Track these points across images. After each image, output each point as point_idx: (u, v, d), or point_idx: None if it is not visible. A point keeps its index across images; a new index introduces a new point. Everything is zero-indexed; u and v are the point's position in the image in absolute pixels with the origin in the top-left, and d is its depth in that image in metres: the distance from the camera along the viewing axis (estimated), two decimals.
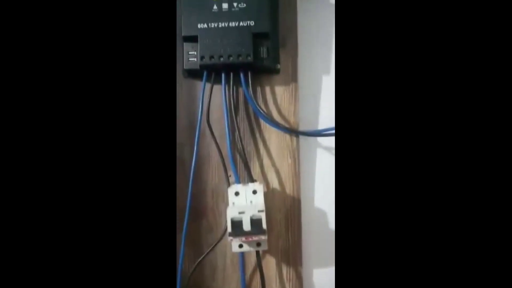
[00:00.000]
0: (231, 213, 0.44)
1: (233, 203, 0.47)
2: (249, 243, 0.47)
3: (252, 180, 0.51)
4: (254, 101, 0.51)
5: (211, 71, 0.50)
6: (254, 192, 0.47)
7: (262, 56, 0.49)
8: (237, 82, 0.51)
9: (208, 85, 0.51)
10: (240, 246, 0.47)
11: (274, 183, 0.53)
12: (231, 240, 0.44)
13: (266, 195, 0.52)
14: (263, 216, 0.44)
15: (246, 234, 0.44)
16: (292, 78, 0.53)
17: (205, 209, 0.53)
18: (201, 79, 0.51)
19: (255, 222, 0.44)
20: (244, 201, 0.47)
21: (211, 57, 0.48)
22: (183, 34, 0.49)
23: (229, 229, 0.44)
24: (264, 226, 0.44)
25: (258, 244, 0.47)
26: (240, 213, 0.44)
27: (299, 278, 0.53)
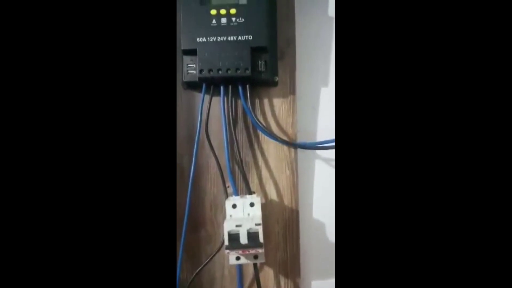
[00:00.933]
0: (228, 226, 0.44)
1: (231, 216, 0.47)
2: (246, 256, 0.47)
3: (250, 191, 0.52)
4: (252, 114, 0.51)
5: (210, 84, 0.51)
6: (252, 204, 0.47)
7: (260, 70, 0.50)
8: (235, 95, 0.52)
9: (207, 97, 0.52)
10: (237, 258, 0.47)
11: (272, 194, 0.54)
12: (228, 253, 0.45)
13: (264, 206, 0.52)
14: (260, 229, 0.44)
15: (243, 247, 0.44)
16: (290, 90, 0.53)
17: (204, 219, 0.54)
18: (200, 91, 0.51)
19: (252, 236, 0.44)
20: (242, 214, 0.47)
21: (210, 70, 0.49)
22: (182, 48, 0.49)
23: (226, 242, 0.44)
24: (261, 239, 0.44)
25: (255, 257, 0.48)
26: (237, 226, 0.44)
27: None
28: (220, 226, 0.53)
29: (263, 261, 0.49)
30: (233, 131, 0.52)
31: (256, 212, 0.47)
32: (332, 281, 0.54)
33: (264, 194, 0.54)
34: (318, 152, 0.55)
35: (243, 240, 0.44)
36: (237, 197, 0.49)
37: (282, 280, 0.53)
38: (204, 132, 0.52)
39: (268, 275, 0.53)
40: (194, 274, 0.52)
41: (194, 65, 0.50)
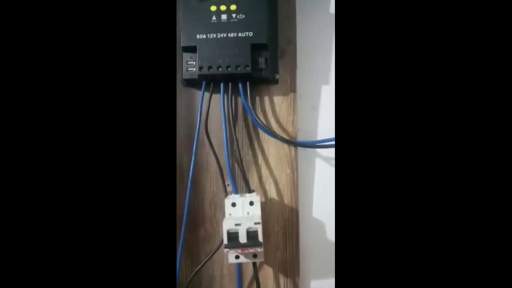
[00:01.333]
0: (228, 225, 0.44)
1: (230, 214, 0.47)
2: (246, 255, 0.47)
3: (249, 190, 0.51)
4: (253, 112, 0.51)
5: (209, 81, 0.50)
6: (251, 203, 0.47)
7: (260, 67, 0.49)
8: (235, 92, 0.51)
9: (206, 95, 0.51)
10: (237, 257, 0.47)
11: (272, 193, 0.53)
12: (227, 252, 0.44)
13: (264, 205, 0.52)
14: (259, 228, 0.44)
15: (242, 246, 0.44)
16: (291, 88, 0.53)
17: (203, 218, 0.53)
18: (200, 89, 0.51)
19: (251, 235, 0.44)
20: (241, 213, 0.47)
21: (210, 67, 0.48)
22: (182, 45, 0.49)
23: (225, 241, 0.44)
24: (260, 238, 0.44)
25: (255, 256, 0.47)
26: (236, 225, 0.44)
27: None
28: (219, 224, 0.53)
29: (262, 260, 0.48)
30: (233, 129, 0.52)
31: (256, 211, 0.47)
32: (331, 281, 0.54)
33: (264, 193, 0.53)
34: (319, 150, 0.55)
35: (242, 239, 0.44)
36: (237, 196, 0.49)
37: (282, 279, 0.53)
38: (204, 130, 0.51)
39: (267, 274, 0.53)
40: (193, 273, 0.52)
41: (194, 62, 0.49)
